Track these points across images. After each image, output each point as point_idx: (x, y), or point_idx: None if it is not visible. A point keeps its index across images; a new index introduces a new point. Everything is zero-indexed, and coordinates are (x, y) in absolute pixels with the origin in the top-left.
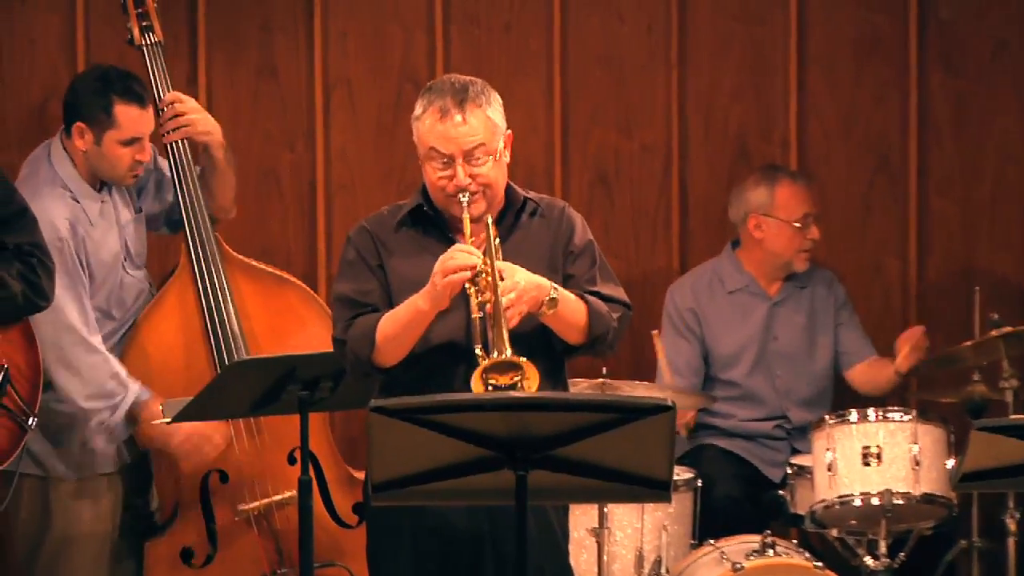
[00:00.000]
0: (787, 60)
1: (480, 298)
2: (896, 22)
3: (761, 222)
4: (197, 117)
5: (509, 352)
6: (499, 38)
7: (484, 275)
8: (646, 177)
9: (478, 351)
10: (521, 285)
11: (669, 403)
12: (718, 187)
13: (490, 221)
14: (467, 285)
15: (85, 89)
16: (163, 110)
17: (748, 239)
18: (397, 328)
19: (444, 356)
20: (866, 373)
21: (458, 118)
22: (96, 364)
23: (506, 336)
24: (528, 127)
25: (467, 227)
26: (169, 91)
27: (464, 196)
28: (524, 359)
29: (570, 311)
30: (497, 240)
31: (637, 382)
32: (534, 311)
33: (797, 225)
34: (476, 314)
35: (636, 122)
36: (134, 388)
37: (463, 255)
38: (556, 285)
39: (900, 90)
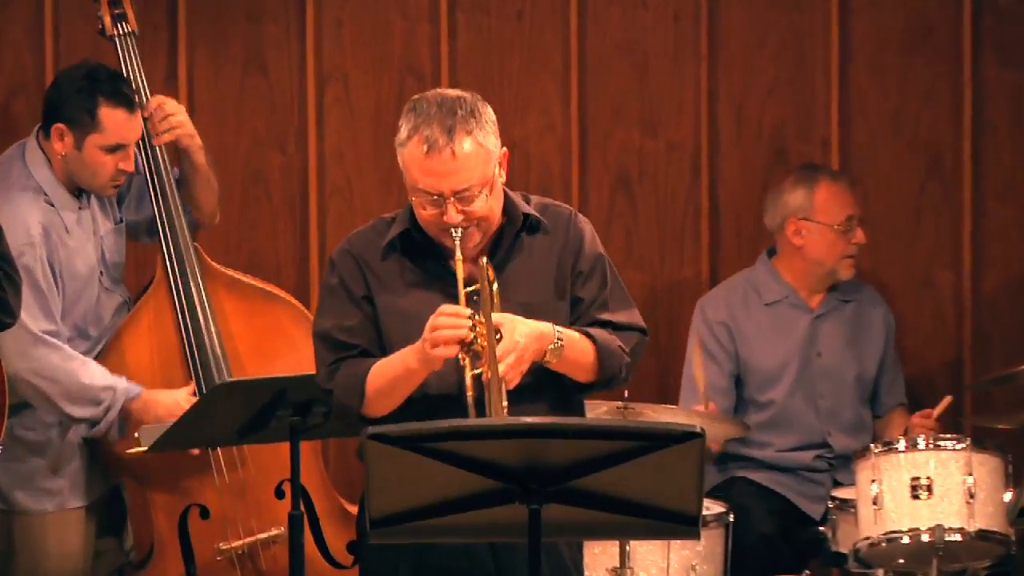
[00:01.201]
0: (828, 52)
1: (475, 370)
2: (948, 10)
3: (800, 227)
4: (184, 119)
5: None
6: (510, 28)
7: (478, 340)
8: (672, 180)
9: None
10: (521, 344)
11: (698, 429)
12: (752, 191)
13: (485, 263)
14: (459, 356)
15: (69, 87)
16: (147, 117)
17: (787, 247)
18: (387, 383)
19: (439, 404)
20: (881, 424)
21: (447, 153)
22: (74, 370)
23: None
24: (542, 126)
25: (459, 270)
26: (143, 85)
27: (456, 233)
28: None
29: (577, 353)
30: (495, 285)
31: (662, 406)
32: (537, 360)
33: (840, 229)
34: (470, 392)
35: (661, 120)
36: (121, 387)
37: (451, 323)
38: (560, 329)
39: (953, 85)
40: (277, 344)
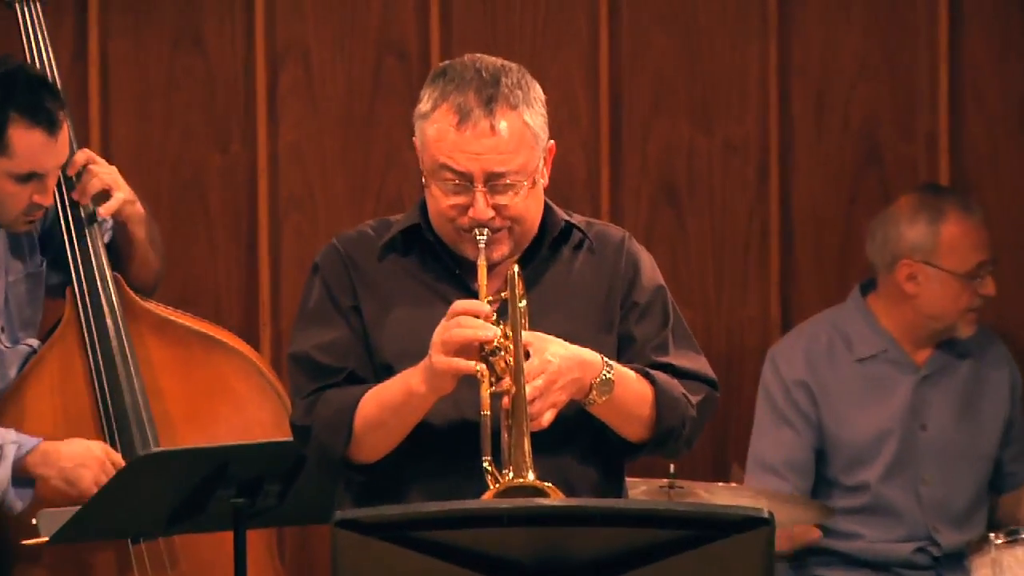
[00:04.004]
0: (934, 20)
1: (494, 387)
2: None
3: (918, 272)
4: (118, 181)
5: (531, 475)
6: None
7: (502, 353)
8: (732, 189)
9: (486, 464)
10: (554, 365)
11: (765, 514)
12: (836, 203)
13: (516, 273)
14: (477, 367)
15: None
16: (73, 177)
17: (895, 292)
18: (381, 412)
19: (449, 442)
20: (1006, 506)
21: (484, 126)
22: None
23: (527, 447)
24: (564, 119)
25: (482, 278)
26: (54, 69)
27: (482, 235)
28: (550, 485)
29: (630, 398)
30: (524, 302)
31: (719, 484)
32: (578, 399)
33: (968, 277)
34: (485, 410)
35: (718, 111)
36: (10, 438)
37: (470, 323)
38: (611, 361)
39: None
40: (218, 403)
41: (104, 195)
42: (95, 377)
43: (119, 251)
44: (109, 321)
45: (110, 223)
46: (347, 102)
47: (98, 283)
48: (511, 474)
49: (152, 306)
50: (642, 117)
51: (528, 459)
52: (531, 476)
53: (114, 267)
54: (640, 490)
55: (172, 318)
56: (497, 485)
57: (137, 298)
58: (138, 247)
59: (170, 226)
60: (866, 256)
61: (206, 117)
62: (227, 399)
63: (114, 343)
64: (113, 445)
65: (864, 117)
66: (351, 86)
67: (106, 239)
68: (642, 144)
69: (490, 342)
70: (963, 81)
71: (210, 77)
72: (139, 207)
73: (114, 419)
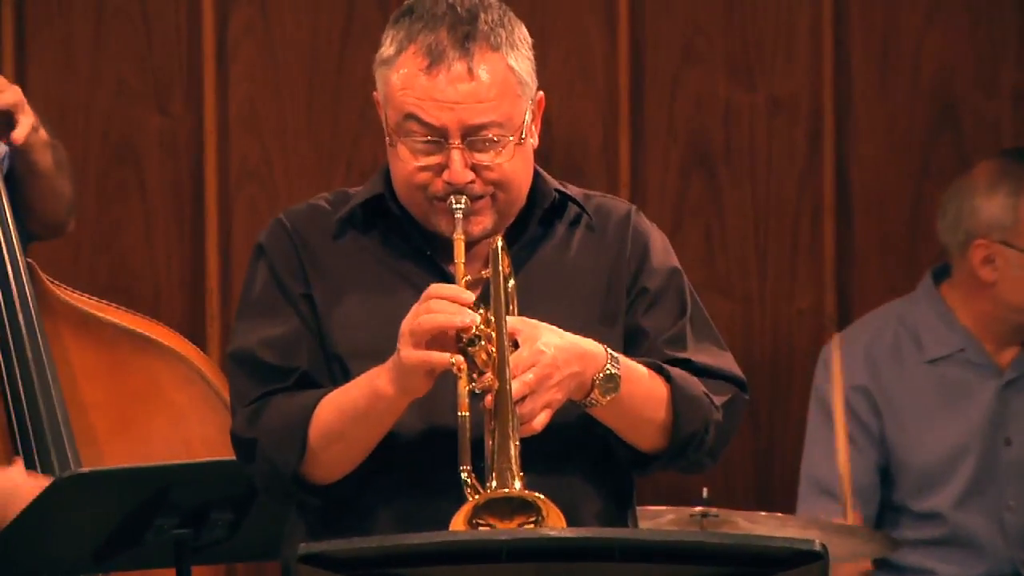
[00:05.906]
0: None
1: (475, 382)
2: None
3: (996, 253)
4: (23, 102)
5: (518, 484)
6: None
7: (483, 343)
8: (779, 156)
9: (464, 475)
10: (547, 357)
11: (817, 547)
12: (903, 174)
13: (500, 247)
14: (452, 358)
15: None
16: None
17: (969, 277)
18: (345, 424)
19: (423, 454)
20: None
21: (459, 69)
22: None
23: (514, 452)
24: (575, 72)
25: (459, 255)
26: None
27: (459, 203)
28: (542, 497)
29: (640, 397)
30: (512, 283)
31: (762, 513)
32: (577, 399)
33: None
34: (463, 411)
35: (761, 62)
36: None
37: (443, 307)
38: (616, 353)
39: None
40: (152, 415)
41: (6, 119)
42: (5, 385)
43: (22, 184)
44: (21, 317)
45: (3, 151)
46: (312, 51)
47: (8, 270)
48: (494, 484)
49: (74, 298)
50: (669, 70)
51: (515, 466)
52: (518, 485)
53: (19, 202)
54: (668, 519)
55: (96, 313)
56: (475, 498)
57: (55, 289)
58: (45, 176)
59: (98, 203)
60: (939, 237)
61: (141, 71)
62: (163, 410)
63: (27, 343)
64: (29, 464)
65: (937, 69)
66: (317, 33)
67: (4, 161)
68: (669, 102)
69: (468, 330)
70: None
71: (147, 22)
72: (43, 132)
73: (31, 435)
